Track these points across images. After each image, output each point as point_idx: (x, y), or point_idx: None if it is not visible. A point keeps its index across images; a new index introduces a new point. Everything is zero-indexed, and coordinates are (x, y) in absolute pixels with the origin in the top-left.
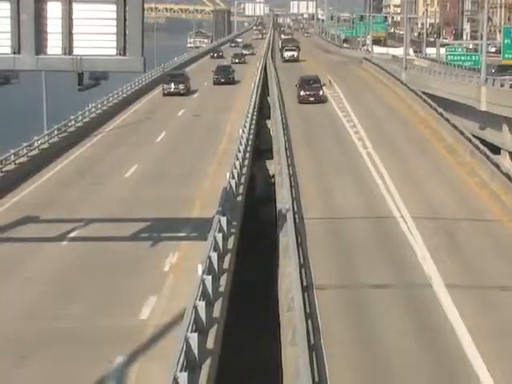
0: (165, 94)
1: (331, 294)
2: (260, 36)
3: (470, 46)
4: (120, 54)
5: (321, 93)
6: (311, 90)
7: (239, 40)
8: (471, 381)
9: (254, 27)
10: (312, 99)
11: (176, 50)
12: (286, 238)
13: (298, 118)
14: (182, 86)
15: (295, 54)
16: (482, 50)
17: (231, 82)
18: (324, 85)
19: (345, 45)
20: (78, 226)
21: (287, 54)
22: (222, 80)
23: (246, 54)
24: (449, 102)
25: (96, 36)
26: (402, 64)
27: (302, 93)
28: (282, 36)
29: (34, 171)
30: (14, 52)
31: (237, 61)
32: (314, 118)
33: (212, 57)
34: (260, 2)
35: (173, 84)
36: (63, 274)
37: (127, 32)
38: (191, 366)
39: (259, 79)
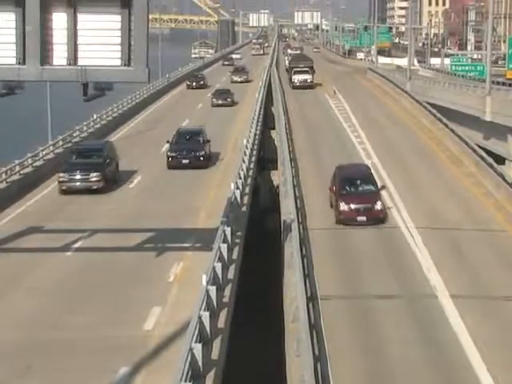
0: None
1: (336, 304)
2: (261, 51)
3: (475, 56)
4: (125, 65)
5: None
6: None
7: (235, 56)
8: None
9: (254, 40)
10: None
11: (180, 61)
12: (291, 248)
13: (301, 123)
14: None
15: (309, 77)
16: (486, 61)
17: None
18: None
19: (362, 56)
20: (83, 236)
21: (298, 79)
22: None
23: (239, 81)
24: (453, 112)
25: (101, 46)
26: (407, 74)
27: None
28: (289, 51)
29: (39, 181)
30: (19, 62)
31: (220, 102)
32: (316, 123)
33: (189, 86)
34: (264, 13)
35: None
36: (67, 285)
37: (132, 43)
38: (195, 376)
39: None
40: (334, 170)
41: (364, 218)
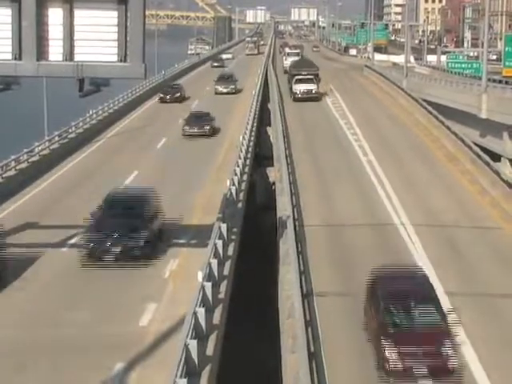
0: None
1: (331, 301)
2: (255, 51)
3: (471, 54)
4: (121, 61)
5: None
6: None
7: (226, 56)
8: None
9: (248, 38)
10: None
11: (176, 57)
12: (286, 245)
13: (297, 120)
14: None
15: (313, 87)
16: (482, 58)
17: None
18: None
19: (354, 52)
20: (79, 232)
21: (300, 89)
22: None
23: (225, 92)
24: (449, 109)
25: (97, 42)
26: (403, 71)
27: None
28: (287, 50)
29: (35, 177)
30: (15, 58)
31: (195, 131)
32: (312, 122)
33: (163, 99)
34: (261, 10)
35: None
36: (63, 281)
37: (128, 38)
38: (191, 372)
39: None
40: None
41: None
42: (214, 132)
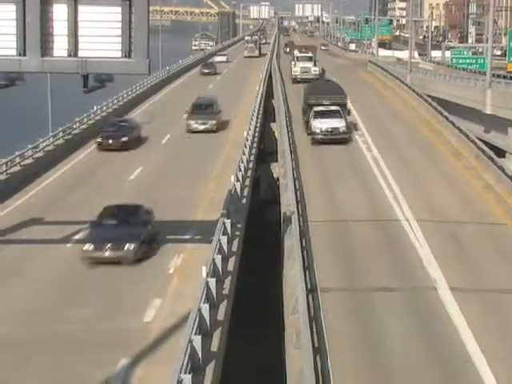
0: None
1: (335, 296)
2: (256, 52)
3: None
4: (125, 57)
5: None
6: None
7: (219, 59)
8: None
9: (247, 37)
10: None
11: (180, 53)
12: (291, 240)
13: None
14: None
15: (341, 124)
16: (487, 53)
17: None
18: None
19: (356, 48)
20: (83, 228)
21: (321, 127)
22: None
23: (200, 130)
24: (454, 105)
25: (101, 38)
26: (407, 67)
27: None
28: (296, 53)
29: (39, 173)
30: (20, 54)
31: (108, 255)
32: None
33: (101, 145)
34: (265, 5)
35: None
36: (68, 276)
37: (132, 34)
38: (195, 368)
39: None
40: None
41: None
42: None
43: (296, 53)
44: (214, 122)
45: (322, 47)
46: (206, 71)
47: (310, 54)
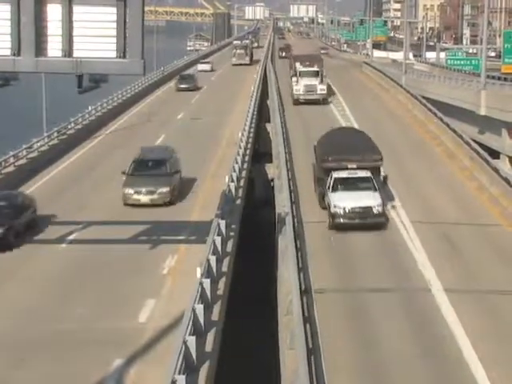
0: None
1: (330, 297)
2: (246, 59)
3: (470, 51)
4: (120, 57)
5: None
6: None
7: (202, 68)
8: None
9: (236, 42)
10: None
11: (175, 54)
12: (285, 241)
13: (296, 117)
14: None
15: (374, 202)
16: (482, 55)
17: None
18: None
19: (347, 48)
20: (77, 228)
21: (346, 206)
22: None
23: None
24: (448, 106)
25: (96, 38)
26: (402, 68)
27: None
28: (299, 66)
29: (34, 173)
30: (14, 54)
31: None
32: (311, 117)
33: None
34: (260, 6)
35: None
36: (61, 277)
37: (127, 35)
38: (189, 368)
39: None
40: None
41: None
42: None
43: (298, 66)
44: (165, 189)
45: (322, 51)
46: (183, 86)
47: (316, 68)
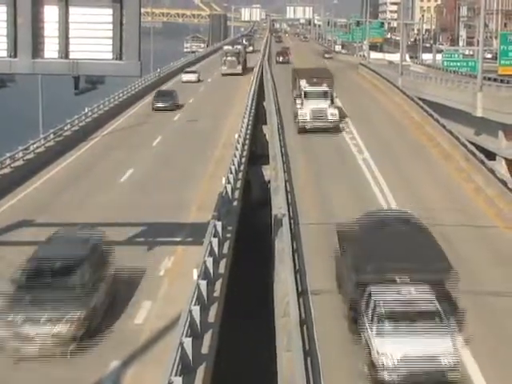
0: None
1: (327, 299)
2: (238, 68)
3: (467, 52)
4: (116, 58)
5: None
6: None
7: (187, 78)
8: None
9: (226, 47)
10: None
11: (172, 56)
12: (282, 243)
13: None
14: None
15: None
16: (478, 56)
17: None
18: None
19: (342, 50)
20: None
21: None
22: None
23: None
24: (445, 107)
25: (92, 40)
26: (398, 70)
27: None
28: (304, 85)
29: (30, 175)
30: (11, 55)
31: None
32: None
33: None
34: (257, 8)
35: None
36: None
37: (124, 36)
38: (186, 370)
39: None
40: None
41: None
42: None
43: (303, 85)
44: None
45: (326, 55)
46: (161, 105)
47: (325, 88)
